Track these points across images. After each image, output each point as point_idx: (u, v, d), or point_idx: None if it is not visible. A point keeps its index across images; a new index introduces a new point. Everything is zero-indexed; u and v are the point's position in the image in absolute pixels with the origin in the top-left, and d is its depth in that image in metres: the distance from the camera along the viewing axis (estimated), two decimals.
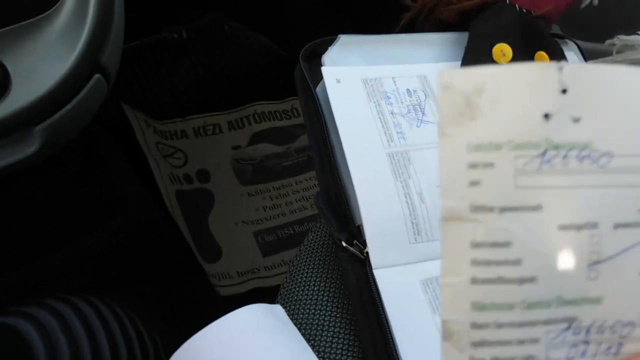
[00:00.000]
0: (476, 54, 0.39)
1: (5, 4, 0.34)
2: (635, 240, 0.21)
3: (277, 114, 0.86)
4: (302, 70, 0.36)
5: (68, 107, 0.38)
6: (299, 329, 0.31)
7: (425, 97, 0.37)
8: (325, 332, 0.31)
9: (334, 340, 0.31)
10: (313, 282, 0.33)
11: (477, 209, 0.20)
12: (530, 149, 0.20)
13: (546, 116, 0.20)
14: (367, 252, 0.31)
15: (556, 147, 0.20)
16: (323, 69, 0.36)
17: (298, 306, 0.32)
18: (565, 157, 0.20)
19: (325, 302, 0.32)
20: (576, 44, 0.46)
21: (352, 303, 0.31)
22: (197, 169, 0.79)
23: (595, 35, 0.62)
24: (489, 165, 0.20)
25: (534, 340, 0.20)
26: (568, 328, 0.20)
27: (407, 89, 0.37)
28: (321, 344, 0.31)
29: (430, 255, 0.32)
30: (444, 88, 0.20)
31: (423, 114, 0.36)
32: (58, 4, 0.36)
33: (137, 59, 0.85)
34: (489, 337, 0.20)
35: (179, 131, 0.82)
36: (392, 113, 0.35)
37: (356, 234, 0.32)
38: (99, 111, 0.41)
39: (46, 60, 0.35)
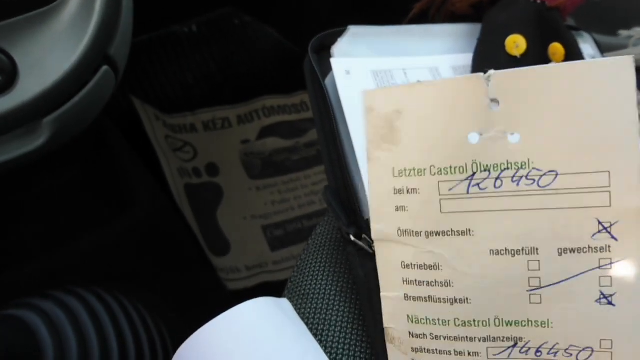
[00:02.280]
0: (489, 46, 0.38)
1: None
2: (588, 267, 0.19)
3: (287, 108, 0.86)
4: (311, 61, 0.36)
5: (76, 99, 0.38)
6: (307, 324, 0.31)
7: None
8: (333, 327, 0.31)
9: (342, 335, 0.30)
10: (321, 276, 0.32)
11: (404, 232, 0.20)
12: (456, 173, 0.19)
13: (474, 135, 0.19)
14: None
15: (486, 168, 0.19)
16: (332, 60, 0.35)
17: (305, 300, 0.32)
18: (497, 179, 0.19)
19: (334, 297, 0.32)
20: (591, 36, 0.45)
21: (360, 298, 0.31)
22: (206, 163, 0.79)
23: (611, 28, 0.60)
24: (413, 190, 0.19)
25: (474, 354, 0.20)
26: (514, 346, 0.20)
27: (418, 81, 0.36)
28: (329, 339, 0.30)
29: None
30: (368, 110, 0.20)
31: None
32: None
33: (147, 53, 0.85)
34: (427, 346, 0.20)
35: (188, 125, 0.82)
36: None
37: (365, 228, 0.31)
38: (108, 104, 0.41)
39: (54, 51, 0.35)
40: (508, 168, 0.19)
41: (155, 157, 0.74)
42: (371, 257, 0.31)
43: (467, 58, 0.38)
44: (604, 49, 0.47)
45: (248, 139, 0.82)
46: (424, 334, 0.20)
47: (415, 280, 0.20)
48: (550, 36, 0.38)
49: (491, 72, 0.18)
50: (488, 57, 0.37)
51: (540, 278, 0.19)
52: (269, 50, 0.90)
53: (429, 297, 0.20)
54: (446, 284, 0.20)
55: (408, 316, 0.20)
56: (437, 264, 0.20)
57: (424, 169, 0.19)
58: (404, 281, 0.20)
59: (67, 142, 0.40)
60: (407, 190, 0.20)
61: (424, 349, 0.20)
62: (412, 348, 0.20)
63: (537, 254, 0.19)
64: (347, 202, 0.32)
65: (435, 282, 0.20)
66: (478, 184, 0.19)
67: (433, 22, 0.43)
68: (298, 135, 0.83)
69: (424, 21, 0.42)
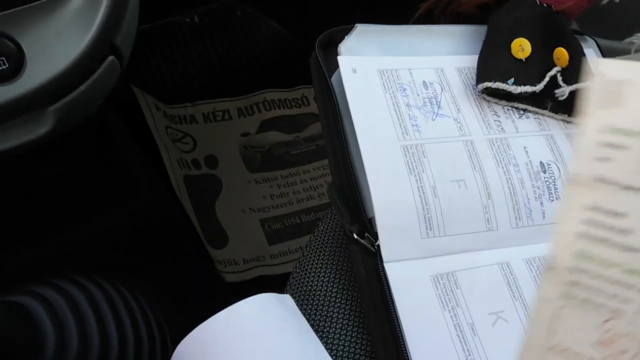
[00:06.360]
0: (494, 48, 0.38)
1: None
2: None
3: (287, 102, 0.86)
4: (318, 58, 0.36)
5: (82, 88, 0.38)
6: (308, 319, 0.31)
7: (442, 90, 0.36)
8: (334, 324, 0.31)
9: (342, 332, 0.31)
10: (323, 273, 0.33)
11: (601, 180, 0.19)
12: None
13: None
14: (378, 245, 0.31)
15: None
16: (339, 58, 0.36)
17: (307, 296, 0.32)
18: None
19: (335, 294, 0.32)
20: (595, 41, 0.45)
21: (361, 296, 0.31)
22: (206, 155, 0.79)
23: (612, 34, 0.61)
24: (622, 146, 0.19)
25: (626, 300, 0.20)
26: None
27: (424, 81, 0.36)
28: (330, 335, 0.31)
29: (441, 251, 0.32)
30: (598, 74, 0.20)
31: (439, 107, 0.36)
32: None
33: (149, 42, 0.84)
34: (584, 282, 0.20)
35: (189, 116, 0.82)
36: (407, 105, 0.35)
37: (368, 226, 0.32)
38: (109, 93, 0.41)
39: (61, 40, 0.35)
40: None
41: (155, 147, 0.74)
42: (373, 255, 0.31)
43: (472, 59, 0.38)
44: (607, 54, 0.47)
45: (248, 132, 0.82)
46: (585, 271, 0.20)
47: (595, 222, 0.20)
48: (555, 40, 0.38)
49: None
50: (493, 59, 0.38)
51: None
52: (271, 43, 0.90)
53: (603, 240, 0.20)
54: (626, 232, 0.20)
55: (576, 251, 0.20)
56: (624, 213, 0.19)
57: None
58: (582, 221, 0.20)
59: (69, 130, 0.40)
60: (617, 146, 0.20)
61: (581, 283, 0.20)
62: (568, 281, 0.20)
63: None
64: (351, 199, 0.33)
65: (615, 227, 0.20)
66: None
67: (439, 22, 0.43)
68: (298, 129, 0.83)
69: (429, 21, 0.42)
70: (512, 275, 0.32)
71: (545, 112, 0.38)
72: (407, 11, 0.44)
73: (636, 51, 0.54)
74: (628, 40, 0.54)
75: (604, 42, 0.57)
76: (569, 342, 0.20)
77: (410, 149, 0.33)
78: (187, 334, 0.29)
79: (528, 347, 0.20)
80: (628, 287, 0.20)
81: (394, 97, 0.35)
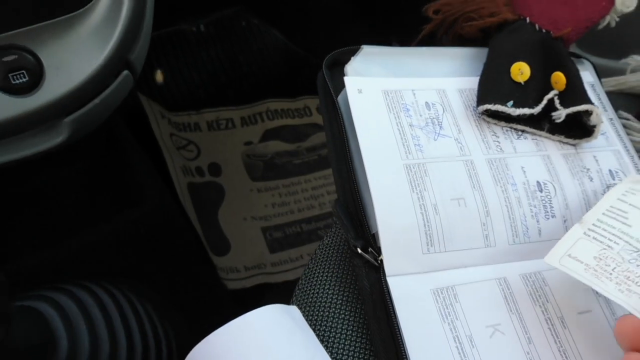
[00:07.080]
0: (494, 71, 0.40)
1: (43, 0, 0.35)
2: None
3: (290, 112, 0.87)
4: (325, 78, 0.37)
5: (96, 100, 0.39)
6: (313, 330, 0.32)
7: (443, 111, 0.38)
8: (339, 335, 0.32)
9: (346, 343, 0.32)
10: (328, 285, 0.34)
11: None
12: None
13: None
14: (381, 260, 0.32)
15: None
16: (346, 79, 0.37)
17: (313, 307, 0.33)
18: None
19: (340, 306, 0.33)
20: (591, 64, 0.47)
21: (364, 308, 0.32)
22: (209, 163, 0.80)
23: (610, 53, 0.62)
24: None
25: (615, 242, 0.31)
26: None
27: (426, 102, 0.38)
28: (334, 346, 0.32)
29: (441, 266, 0.33)
30: None
31: (440, 127, 0.37)
32: (93, 1, 0.37)
33: (155, 50, 0.86)
34: (597, 230, 0.33)
35: (193, 124, 0.83)
36: (410, 125, 0.36)
37: (371, 241, 0.33)
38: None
39: (79, 55, 0.36)
40: None
41: (160, 154, 0.75)
42: (376, 269, 0.33)
43: (473, 81, 0.40)
44: (603, 74, 0.49)
45: (251, 140, 0.83)
46: (598, 226, 0.33)
47: (614, 209, 0.34)
48: (553, 64, 0.40)
49: None
50: (493, 82, 0.39)
51: None
52: (275, 54, 0.91)
53: (612, 218, 0.33)
54: (625, 218, 0.33)
55: (597, 218, 0.33)
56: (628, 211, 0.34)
57: None
58: (608, 207, 0.34)
59: (80, 139, 0.42)
60: None
61: (594, 231, 0.33)
62: (589, 228, 0.33)
63: None
64: (355, 215, 0.34)
65: (621, 215, 0.34)
66: None
67: (441, 44, 0.45)
68: (300, 139, 0.85)
69: (432, 42, 0.44)
70: (509, 289, 0.34)
71: (543, 133, 0.39)
72: (404, 20, 0.45)
73: (632, 71, 0.55)
74: (624, 60, 0.55)
75: (601, 62, 0.58)
76: (578, 254, 0.31)
77: (413, 167, 0.35)
78: (191, 342, 0.30)
79: (555, 251, 0.32)
80: (617, 237, 0.32)
81: (398, 117, 0.36)
